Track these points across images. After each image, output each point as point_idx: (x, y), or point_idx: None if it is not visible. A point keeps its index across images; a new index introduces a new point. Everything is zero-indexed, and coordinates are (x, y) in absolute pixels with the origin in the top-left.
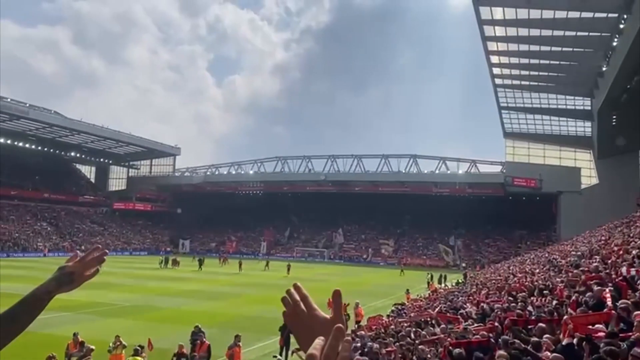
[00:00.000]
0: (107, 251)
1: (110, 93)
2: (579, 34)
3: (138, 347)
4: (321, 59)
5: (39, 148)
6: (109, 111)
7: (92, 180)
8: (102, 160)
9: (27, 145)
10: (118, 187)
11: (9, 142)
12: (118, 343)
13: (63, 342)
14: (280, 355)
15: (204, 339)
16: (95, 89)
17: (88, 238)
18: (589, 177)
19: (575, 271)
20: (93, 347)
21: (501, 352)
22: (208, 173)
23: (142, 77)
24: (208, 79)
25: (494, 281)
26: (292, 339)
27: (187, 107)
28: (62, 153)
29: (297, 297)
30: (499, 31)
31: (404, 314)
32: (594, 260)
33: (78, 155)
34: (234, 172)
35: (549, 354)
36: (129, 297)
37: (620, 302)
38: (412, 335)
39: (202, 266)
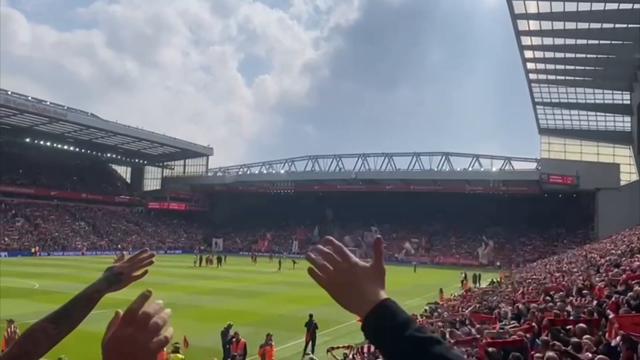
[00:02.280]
0: (155, 254)
1: (144, 95)
2: (617, 25)
3: (177, 345)
4: (351, 57)
5: (77, 150)
6: (142, 113)
7: (128, 180)
8: (137, 160)
9: (65, 147)
10: (153, 187)
11: (48, 144)
12: None
13: (99, 339)
14: (305, 349)
15: (240, 337)
16: (129, 91)
17: (124, 237)
18: (629, 173)
19: (615, 270)
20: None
21: (550, 353)
22: (240, 173)
23: (174, 79)
24: (238, 79)
25: (529, 280)
26: (318, 335)
27: (218, 108)
28: (99, 154)
29: (329, 250)
30: (533, 25)
31: (437, 314)
32: (636, 259)
33: (114, 156)
34: (265, 172)
35: (589, 355)
36: (165, 295)
37: None
38: (447, 335)
39: (220, 264)
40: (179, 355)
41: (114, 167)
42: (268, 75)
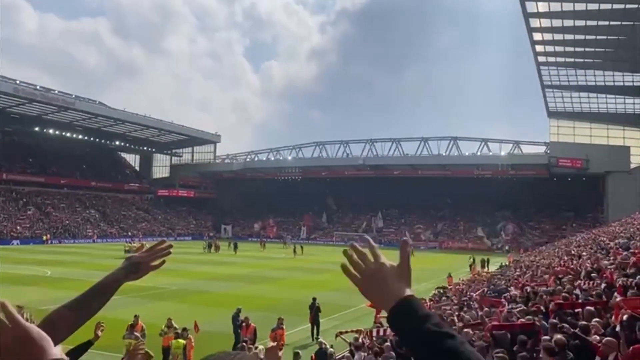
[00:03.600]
0: (172, 244)
1: (152, 83)
2: (627, 6)
3: (180, 331)
4: (358, 42)
5: (86, 138)
6: (151, 101)
7: (137, 168)
8: (145, 148)
9: (74, 136)
10: (162, 175)
11: (57, 132)
12: (170, 326)
13: (112, 325)
14: (312, 332)
15: (250, 322)
16: (137, 78)
17: (134, 224)
18: (639, 156)
19: (624, 253)
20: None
21: (558, 336)
22: (247, 159)
23: (181, 66)
24: (245, 66)
25: (538, 264)
26: (327, 319)
27: (225, 95)
28: (108, 142)
29: (362, 249)
30: (542, 7)
31: (445, 298)
32: None
33: (123, 144)
34: (272, 159)
35: (597, 337)
36: (176, 281)
37: None
38: (455, 319)
39: (236, 250)
40: (181, 341)
41: (123, 155)
42: (275, 61)
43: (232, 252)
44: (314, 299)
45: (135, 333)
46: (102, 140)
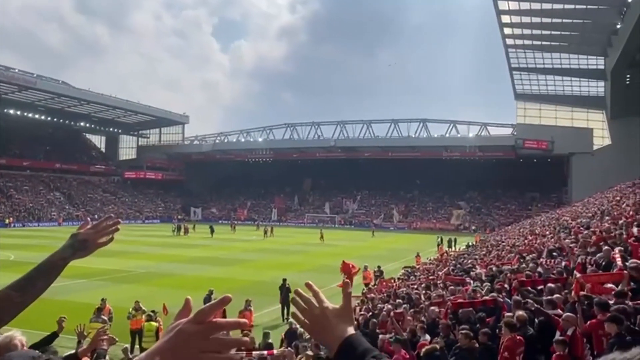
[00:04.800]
0: (120, 220)
1: (117, 62)
2: None
3: (151, 313)
4: (329, 22)
5: (49, 119)
6: (117, 81)
7: (103, 149)
8: (111, 129)
9: (36, 116)
10: (128, 157)
11: (18, 113)
12: (138, 309)
13: (79, 309)
14: (283, 313)
15: None
16: (102, 57)
17: (101, 207)
18: (602, 137)
19: (585, 232)
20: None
21: (520, 312)
22: (217, 141)
23: (147, 45)
24: (213, 45)
25: (503, 244)
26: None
27: (194, 74)
28: (72, 123)
29: (308, 296)
30: None
31: (414, 277)
32: (605, 222)
33: (88, 125)
34: (242, 140)
35: (560, 311)
36: (144, 264)
37: (630, 261)
38: (422, 297)
39: (213, 233)
40: (153, 324)
41: (88, 136)
42: (244, 40)
43: (209, 235)
44: (284, 280)
45: (103, 316)
46: (66, 121)
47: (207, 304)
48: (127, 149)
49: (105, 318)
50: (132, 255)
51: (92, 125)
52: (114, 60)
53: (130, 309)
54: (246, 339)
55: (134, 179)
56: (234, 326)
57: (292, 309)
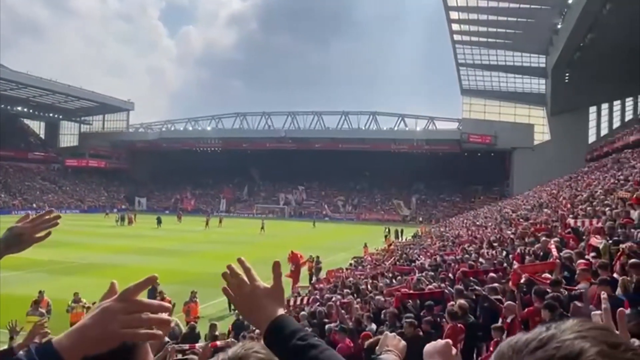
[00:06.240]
0: (60, 215)
1: (59, 45)
2: None
3: (91, 305)
4: (280, 10)
5: None
6: (60, 65)
7: (42, 136)
8: (51, 115)
9: None
10: (70, 144)
11: None
12: (78, 301)
13: (13, 302)
14: (230, 305)
15: (165, 296)
16: (43, 40)
17: (40, 196)
18: (542, 133)
19: (525, 224)
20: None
21: (461, 301)
22: (163, 129)
23: (91, 28)
24: (160, 29)
25: (448, 235)
26: None
27: (139, 60)
28: (9, 108)
29: (239, 271)
30: None
31: (361, 267)
32: (543, 214)
33: (26, 110)
34: (190, 129)
35: (501, 297)
36: (85, 255)
37: (564, 252)
38: (369, 287)
39: (160, 224)
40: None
41: (27, 121)
42: (192, 26)
43: (155, 225)
44: None
45: (41, 309)
46: (2, 105)
47: (132, 283)
48: (69, 135)
49: (43, 311)
50: (73, 245)
51: (31, 111)
52: (55, 43)
53: (70, 302)
54: (168, 305)
55: (76, 167)
56: (158, 308)
57: (223, 283)
